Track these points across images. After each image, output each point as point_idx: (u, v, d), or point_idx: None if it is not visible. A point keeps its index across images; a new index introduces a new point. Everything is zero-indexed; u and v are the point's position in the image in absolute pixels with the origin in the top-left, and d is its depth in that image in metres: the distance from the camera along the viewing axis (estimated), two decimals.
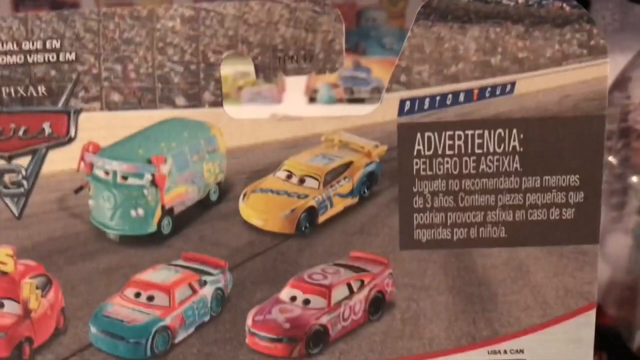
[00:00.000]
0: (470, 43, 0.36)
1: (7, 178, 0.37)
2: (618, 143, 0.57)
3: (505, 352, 0.38)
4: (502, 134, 0.36)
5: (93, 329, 0.39)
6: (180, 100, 0.37)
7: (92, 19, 0.36)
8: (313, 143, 0.38)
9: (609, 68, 0.35)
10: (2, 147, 0.37)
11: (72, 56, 0.36)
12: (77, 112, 0.37)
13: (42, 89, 0.36)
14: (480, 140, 0.36)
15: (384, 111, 0.36)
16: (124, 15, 0.36)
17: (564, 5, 0.35)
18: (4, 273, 0.38)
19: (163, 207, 0.40)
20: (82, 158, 0.38)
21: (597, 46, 0.36)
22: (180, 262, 0.39)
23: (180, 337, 0.39)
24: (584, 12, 0.35)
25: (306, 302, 0.39)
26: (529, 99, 0.36)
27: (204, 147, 0.40)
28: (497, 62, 0.36)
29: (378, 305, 0.39)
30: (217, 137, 0.38)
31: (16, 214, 0.38)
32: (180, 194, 0.40)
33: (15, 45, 0.36)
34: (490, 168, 0.36)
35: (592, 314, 0.38)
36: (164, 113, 0.37)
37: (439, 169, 0.36)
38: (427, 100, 0.36)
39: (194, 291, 0.40)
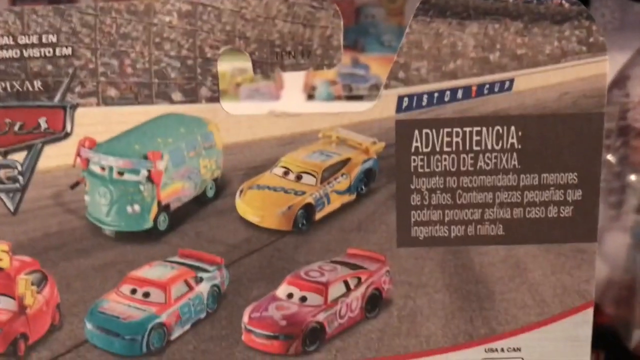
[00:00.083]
0: (469, 39, 0.36)
1: (2, 173, 0.37)
2: (617, 141, 0.57)
3: (502, 350, 0.38)
4: (501, 131, 0.36)
5: (88, 325, 0.39)
6: (177, 95, 0.37)
7: (89, 13, 0.36)
8: (310, 139, 0.38)
9: (608, 65, 0.35)
10: None
11: (69, 51, 0.36)
12: (74, 107, 0.36)
13: (38, 83, 0.36)
14: (478, 138, 0.36)
15: (381, 108, 0.36)
16: (120, 9, 0.36)
17: (563, 2, 0.35)
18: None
19: (159, 203, 0.39)
20: (78, 153, 0.37)
21: (596, 43, 0.35)
22: (177, 258, 0.39)
23: (176, 334, 0.39)
24: (583, 9, 0.35)
25: (303, 299, 0.39)
26: (527, 96, 0.36)
27: (201, 143, 0.40)
28: (495, 58, 0.36)
29: (375, 302, 0.39)
30: (214, 133, 0.38)
31: (12, 209, 0.37)
32: (177, 190, 0.40)
33: (11, 40, 0.36)
34: (488, 165, 0.36)
35: (589, 313, 0.38)
36: (160, 108, 0.37)
37: (437, 166, 0.36)
38: (425, 97, 0.36)
39: (190, 288, 0.40)
